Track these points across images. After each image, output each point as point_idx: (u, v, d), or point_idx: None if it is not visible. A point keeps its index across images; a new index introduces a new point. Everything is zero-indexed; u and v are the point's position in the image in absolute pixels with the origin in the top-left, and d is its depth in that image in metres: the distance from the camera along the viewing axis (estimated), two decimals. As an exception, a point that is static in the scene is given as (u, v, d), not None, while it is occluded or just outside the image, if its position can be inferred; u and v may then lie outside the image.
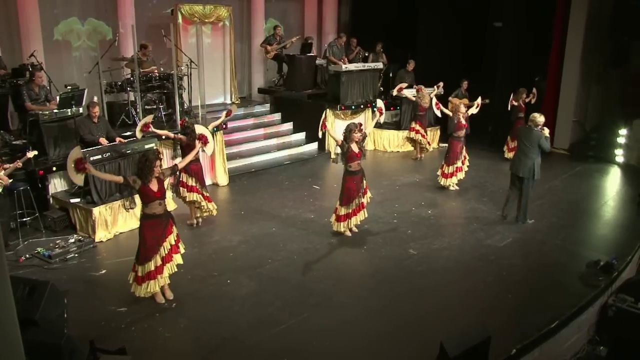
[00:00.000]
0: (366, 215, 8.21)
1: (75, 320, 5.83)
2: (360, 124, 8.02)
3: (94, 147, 8.32)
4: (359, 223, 8.21)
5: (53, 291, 5.85)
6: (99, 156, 8.14)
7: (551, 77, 13.20)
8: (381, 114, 8.82)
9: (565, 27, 12.72)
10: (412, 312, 6.20)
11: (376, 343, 5.65)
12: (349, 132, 7.77)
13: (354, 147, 7.79)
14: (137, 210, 8.54)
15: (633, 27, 12.04)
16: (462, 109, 10.04)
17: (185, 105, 10.92)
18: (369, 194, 8.22)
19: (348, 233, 8.14)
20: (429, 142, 12.51)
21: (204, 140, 7.94)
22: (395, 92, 12.45)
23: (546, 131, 8.24)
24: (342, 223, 8.03)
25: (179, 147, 8.61)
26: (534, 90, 12.34)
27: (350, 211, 7.97)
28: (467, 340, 4.82)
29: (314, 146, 12.80)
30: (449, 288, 6.82)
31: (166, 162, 9.09)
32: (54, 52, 11.22)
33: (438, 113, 11.53)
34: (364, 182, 8.05)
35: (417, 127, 12.25)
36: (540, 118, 8.29)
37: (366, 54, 14.21)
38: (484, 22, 14.18)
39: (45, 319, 5.49)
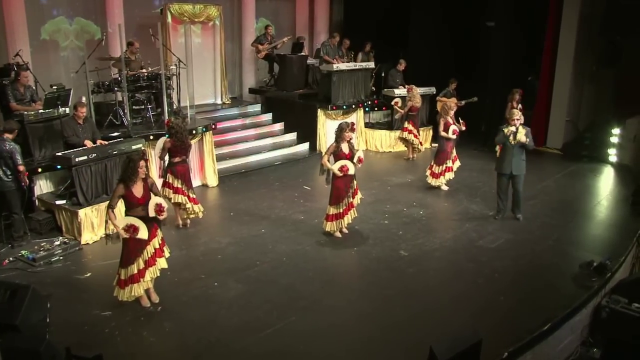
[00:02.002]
0: (356, 215, 8.09)
1: (58, 325, 5.70)
2: (353, 123, 7.91)
3: (79, 148, 8.19)
4: (350, 222, 8.08)
5: (35, 295, 5.72)
6: (85, 157, 8.00)
7: (544, 77, 13.13)
8: (361, 162, 8.00)
9: (558, 27, 12.66)
10: (402, 315, 6.10)
11: (365, 347, 5.55)
12: (340, 131, 7.67)
13: (344, 148, 7.69)
14: (123, 211, 8.42)
15: (625, 26, 11.96)
16: (452, 110, 10.00)
17: (174, 105, 10.78)
18: (359, 195, 8.10)
19: (338, 234, 8.03)
20: (421, 142, 12.42)
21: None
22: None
23: (511, 128, 8.30)
24: (331, 223, 7.93)
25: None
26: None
27: (340, 211, 7.86)
28: (457, 343, 4.71)
29: (305, 146, 12.68)
30: (440, 290, 6.73)
31: (154, 162, 8.94)
32: (41, 51, 11.06)
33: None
34: (354, 182, 7.93)
35: (410, 127, 12.16)
36: (508, 114, 8.72)
37: (352, 54, 14.04)
38: (476, 22, 14.11)
39: (27, 324, 5.36)
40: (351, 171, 7.72)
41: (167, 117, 9.83)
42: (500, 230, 8.34)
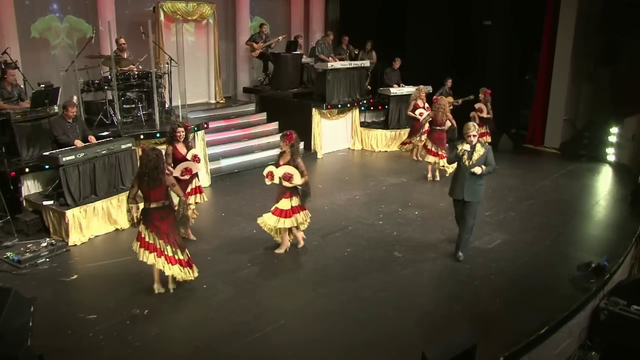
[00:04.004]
0: (270, 227, 7.38)
1: (41, 329, 5.56)
2: (287, 134, 7.60)
3: (67, 148, 8.03)
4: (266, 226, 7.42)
5: (17, 298, 5.58)
6: (72, 157, 7.81)
7: (541, 76, 13.04)
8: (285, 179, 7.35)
9: (555, 25, 12.56)
10: (395, 318, 5.94)
11: (356, 351, 5.39)
12: None
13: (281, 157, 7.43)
14: (114, 212, 8.27)
15: (623, 24, 11.89)
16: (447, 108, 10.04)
17: (165, 104, 10.62)
18: (298, 219, 7.27)
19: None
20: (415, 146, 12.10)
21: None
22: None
23: (464, 146, 6.92)
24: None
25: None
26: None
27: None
28: (451, 348, 4.56)
29: (300, 146, 12.50)
30: (434, 292, 6.59)
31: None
32: (30, 50, 10.88)
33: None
34: (292, 196, 7.31)
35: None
36: (465, 129, 6.98)
37: (356, 52, 13.99)
38: (474, 21, 14.01)
39: (8, 328, 5.22)
40: (275, 180, 7.35)
41: (158, 116, 9.69)
42: (497, 231, 8.19)
